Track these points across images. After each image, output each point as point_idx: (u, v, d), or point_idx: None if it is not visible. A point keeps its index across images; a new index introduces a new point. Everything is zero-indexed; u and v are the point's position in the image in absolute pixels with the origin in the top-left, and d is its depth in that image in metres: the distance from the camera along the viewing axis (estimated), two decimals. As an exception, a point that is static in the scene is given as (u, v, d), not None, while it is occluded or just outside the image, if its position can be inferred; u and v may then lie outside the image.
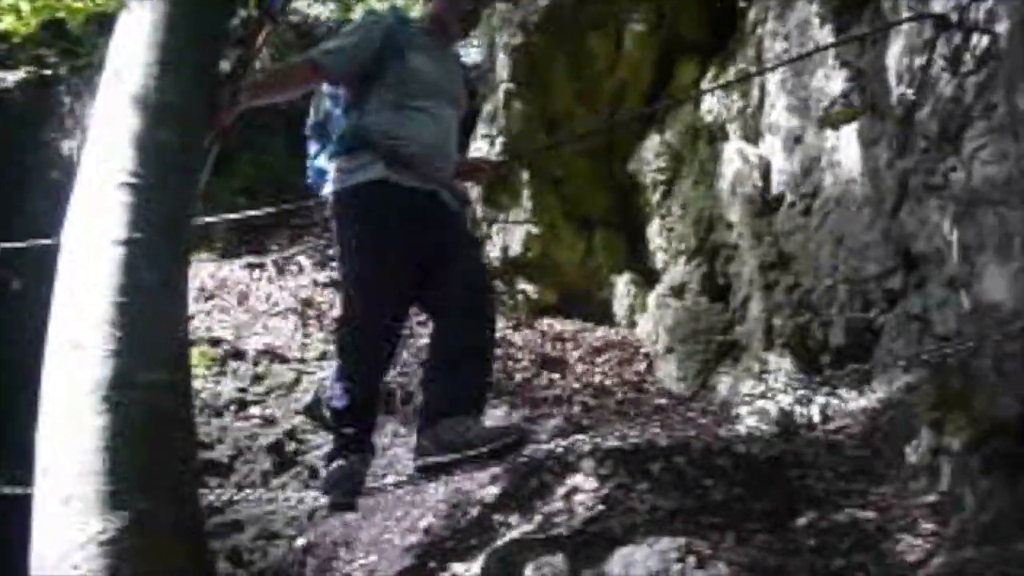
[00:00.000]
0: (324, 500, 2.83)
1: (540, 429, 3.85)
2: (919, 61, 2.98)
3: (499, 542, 2.90)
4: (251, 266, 5.44)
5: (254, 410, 4.05)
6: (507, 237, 5.62)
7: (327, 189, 2.77)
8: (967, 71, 2.73)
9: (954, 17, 2.66)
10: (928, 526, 2.50)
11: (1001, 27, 2.54)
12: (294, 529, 3.65)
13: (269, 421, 4.01)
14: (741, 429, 3.48)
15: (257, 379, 4.23)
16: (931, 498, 2.59)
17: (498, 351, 4.80)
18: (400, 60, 2.69)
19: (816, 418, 3.52)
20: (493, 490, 3.34)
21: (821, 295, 3.84)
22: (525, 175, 5.60)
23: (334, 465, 2.72)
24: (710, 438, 3.36)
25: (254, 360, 4.26)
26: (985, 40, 2.64)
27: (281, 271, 5.43)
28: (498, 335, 5.00)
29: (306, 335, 4.62)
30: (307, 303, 4.96)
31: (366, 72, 2.69)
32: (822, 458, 3.04)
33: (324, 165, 2.82)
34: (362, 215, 2.66)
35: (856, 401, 3.51)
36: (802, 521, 2.62)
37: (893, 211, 3.43)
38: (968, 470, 2.33)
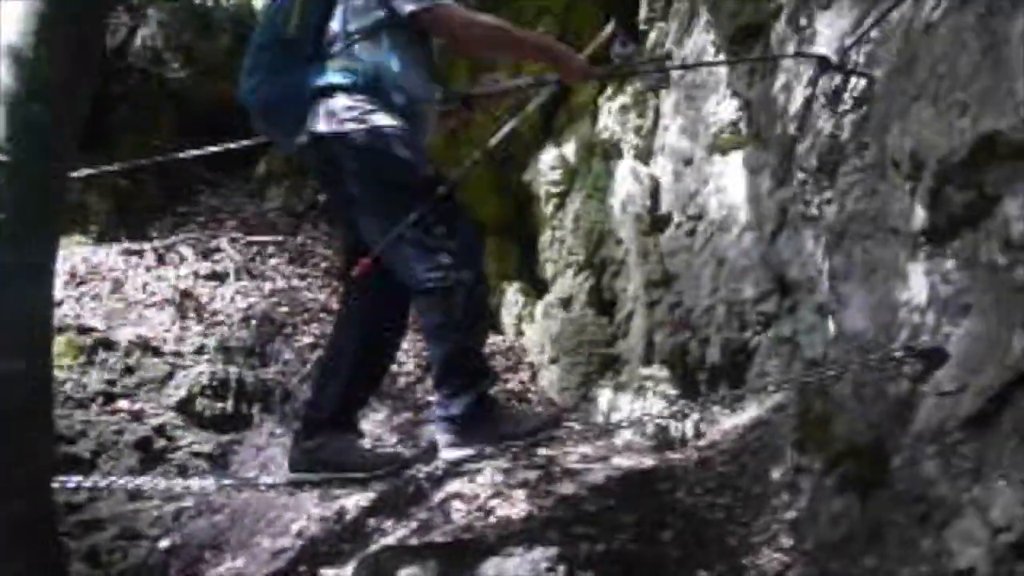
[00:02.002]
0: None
1: (420, 434, 3.83)
2: (802, 97, 3.13)
3: (372, 548, 2.87)
4: (129, 252, 5.19)
5: (122, 403, 3.86)
6: (399, 239, 5.58)
7: (329, 128, 2.50)
8: (845, 110, 2.88)
9: (835, 59, 2.79)
10: (787, 541, 2.61)
11: (878, 71, 2.70)
12: (158, 529, 3.50)
13: (138, 416, 3.83)
14: (618, 442, 3.56)
15: (127, 371, 4.04)
16: (791, 515, 2.71)
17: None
18: None
19: (690, 433, 3.64)
20: (369, 494, 3.30)
21: (700, 314, 3.97)
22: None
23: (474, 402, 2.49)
24: (588, 449, 3.42)
25: (125, 351, 4.06)
26: (863, 82, 2.79)
27: (161, 259, 5.21)
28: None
29: (183, 328, 4.45)
30: (186, 295, 4.77)
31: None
32: (693, 472, 3.14)
33: (280, 85, 2.59)
34: (400, 146, 2.50)
35: (728, 418, 3.64)
36: (669, 533, 2.70)
37: (772, 237, 3.58)
38: (824, 489, 2.45)
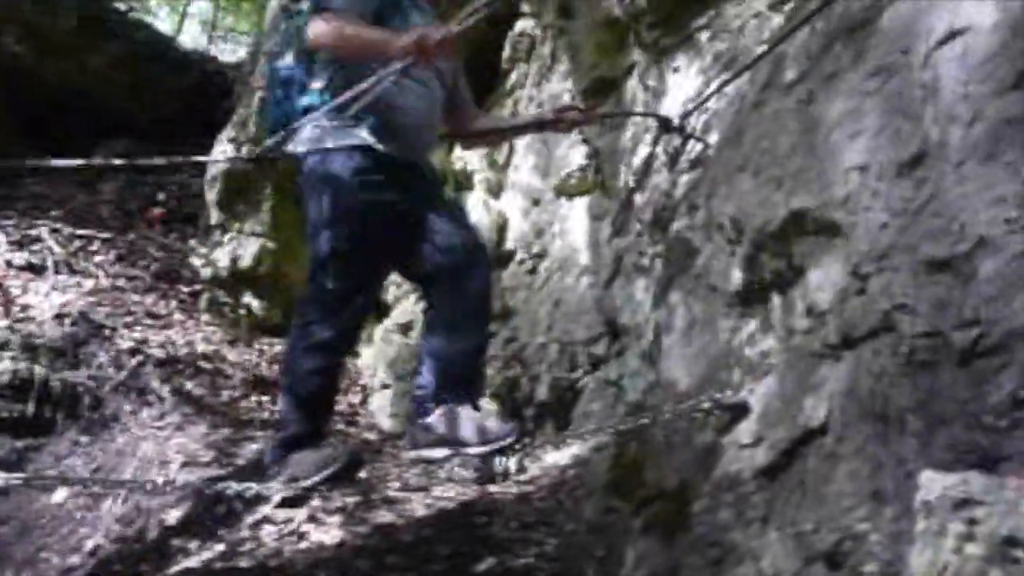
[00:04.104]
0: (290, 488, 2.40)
1: (239, 453, 3.69)
2: (644, 153, 3.29)
3: (172, 570, 2.73)
4: (-72, 235, 4.77)
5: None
6: (239, 248, 5.40)
7: (299, 148, 2.51)
8: (681, 170, 3.05)
9: (676, 122, 2.96)
10: (592, 578, 2.70)
11: (713, 138, 2.87)
12: (-68, 540, 3.19)
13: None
14: (441, 472, 3.56)
15: (-87, 364, 3.69)
16: (600, 553, 2.80)
17: (208, 365, 4.58)
18: (402, 19, 2.53)
19: (513, 468, 3.69)
20: (176, 513, 3.15)
21: (534, 351, 4.06)
22: (268, 188, 5.43)
23: (301, 455, 2.40)
24: (410, 478, 3.41)
25: (-88, 342, 3.72)
26: (699, 147, 2.96)
27: (-33, 246, 4.81)
28: (211, 349, 4.79)
29: (-14, 321, 4.11)
30: (-6, 286, 4.43)
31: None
32: (510, 507, 3.18)
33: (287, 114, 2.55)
34: (343, 182, 2.44)
35: (550, 455, 3.72)
36: (482, 566, 2.72)
37: (607, 283, 3.72)
38: (631, 530, 2.54)
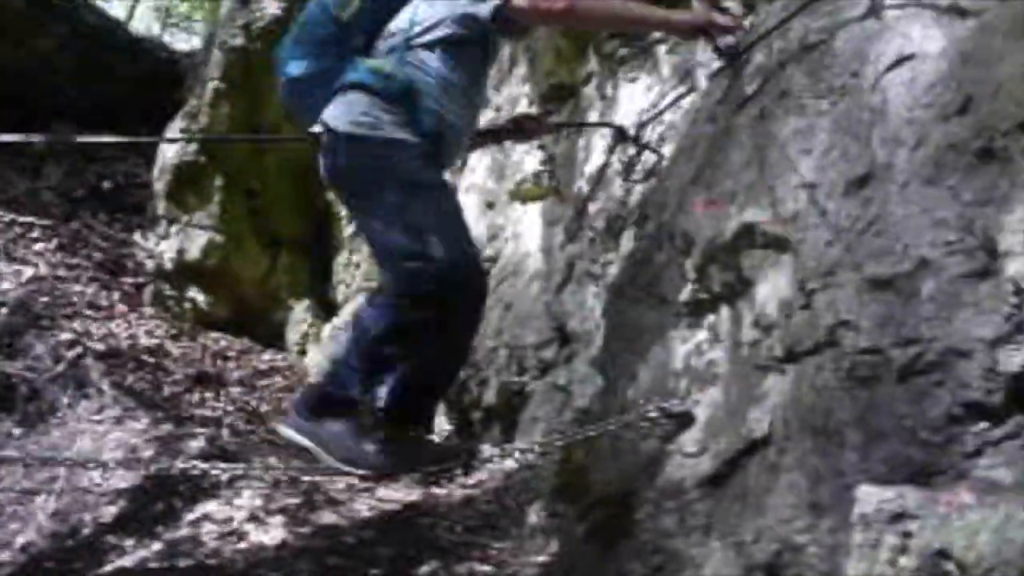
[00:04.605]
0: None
1: (181, 448, 3.62)
2: (599, 161, 3.32)
3: (106, 569, 2.67)
4: None
5: None
6: (186, 240, 5.31)
7: (341, 124, 2.28)
8: (635, 180, 3.08)
9: (631, 132, 2.99)
10: (536, 583, 2.71)
11: (667, 150, 2.91)
12: None
13: None
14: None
15: None
16: (543, 558, 2.81)
17: (151, 359, 4.49)
18: (493, 41, 2.41)
19: (459, 470, 3.68)
20: (112, 510, 3.09)
21: (483, 355, 4.06)
22: (219, 180, 5.35)
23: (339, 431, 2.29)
24: (354, 478, 3.38)
25: None
26: (653, 158, 3.00)
27: None
28: (154, 343, 4.70)
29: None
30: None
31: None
32: (455, 510, 3.18)
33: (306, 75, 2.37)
34: (404, 162, 2.27)
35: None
36: (425, 569, 2.72)
37: (558, 289, 3.74)
38: (575, 536, 2.56)
